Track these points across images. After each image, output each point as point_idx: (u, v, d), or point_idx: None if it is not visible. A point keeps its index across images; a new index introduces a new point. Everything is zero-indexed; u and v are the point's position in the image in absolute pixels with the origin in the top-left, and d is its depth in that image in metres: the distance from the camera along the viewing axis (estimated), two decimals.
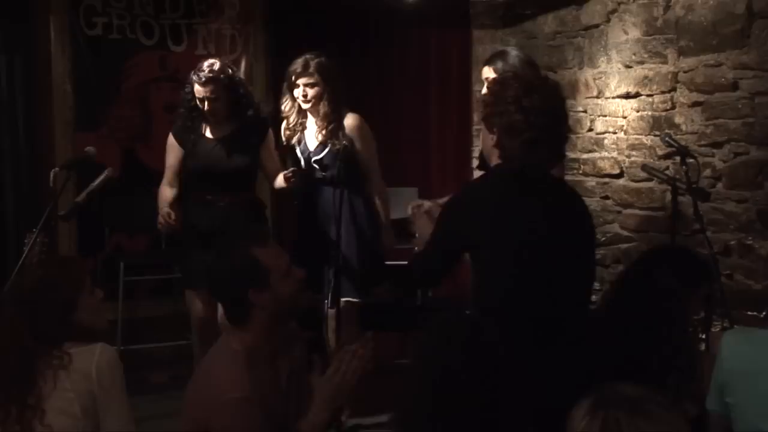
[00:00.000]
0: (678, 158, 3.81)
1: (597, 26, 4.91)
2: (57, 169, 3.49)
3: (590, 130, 5.03)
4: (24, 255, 3.28)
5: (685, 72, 4.27)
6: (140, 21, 5.00)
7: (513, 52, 3.79)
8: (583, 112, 5.08)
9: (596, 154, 4.98)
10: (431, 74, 5.73)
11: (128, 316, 4.86)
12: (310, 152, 3.94)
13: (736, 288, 3.94)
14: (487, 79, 3.59)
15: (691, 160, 3.62)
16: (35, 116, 4.90)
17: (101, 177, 3.55)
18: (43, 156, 4.85)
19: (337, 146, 3.82)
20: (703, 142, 4.15)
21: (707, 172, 4.05)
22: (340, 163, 3.70)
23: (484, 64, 3.75)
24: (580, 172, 5.11)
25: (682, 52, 4.28)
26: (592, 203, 5.00)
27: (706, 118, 4.14)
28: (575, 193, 2.69)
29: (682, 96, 4.29)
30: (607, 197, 4.90)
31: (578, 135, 5.13)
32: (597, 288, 4.95)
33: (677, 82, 4.32)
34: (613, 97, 4.79)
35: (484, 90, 3.53)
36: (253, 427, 2.11)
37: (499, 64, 3.61)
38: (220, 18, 5.20)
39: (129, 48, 5.00)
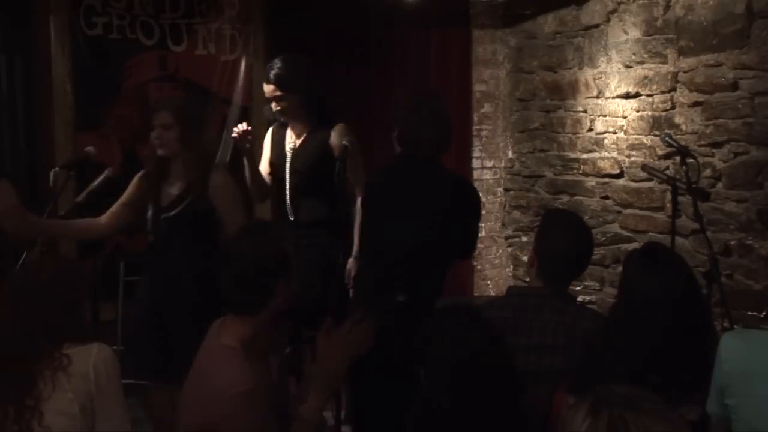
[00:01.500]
0: (678, 158, 3.81)
1: (597, 26, 4.91)
2: (57, 169, 3.49)
3: (590, 130, 5.03)
4: (24, 255, 3.29)
5: (685, 72, 4.27)
6: (140, 21, 5.00)
7: (276, 61, 3.79)
8: (583, 112, 5.08)
9: (596, 154, 4.98)
10: (431, 74, 5.72)
11: (128, 316, 4.85)
12: (161, 208, 3.37)
13: (736, 288, 3.94)
14: (273, 96, 3.75)
15: (691, 160, 3.62)
16: (35, 116, 4.89)
17: (101, 177, 3.56)
18: (43, 156, 4.85)
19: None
20: (703, 142, 4.15)
21: (707, 172, 4.05)
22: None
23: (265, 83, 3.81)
24: (580, 172, 5.11)
25: (682, 52, 4.28)
26: (592, 203, 5.00)
27: (706, 118, 4.14)
28: (453, 179, 3.34)
29: (682, 96, 4.29)
30: (607, 197, 4.90)
31: (578, 135, 5.13)
32: (597, 288, 4.96)
33: (677, 82, 4.32)
34: (613, 97, 4.79)
35: (275, 108, 3.78)
36: (262, 417, 2.14)
37: (270, 75, 3.75)
38: (220, 18, 5.20)
39: (129, 48, 4.99)
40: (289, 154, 3.81)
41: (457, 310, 2.12)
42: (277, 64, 3.77)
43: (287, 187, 3.79)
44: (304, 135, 3.82)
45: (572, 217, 3.10)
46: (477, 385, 1.85)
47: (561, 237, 2.68)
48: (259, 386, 2.14)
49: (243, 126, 3.63)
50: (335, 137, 3.75)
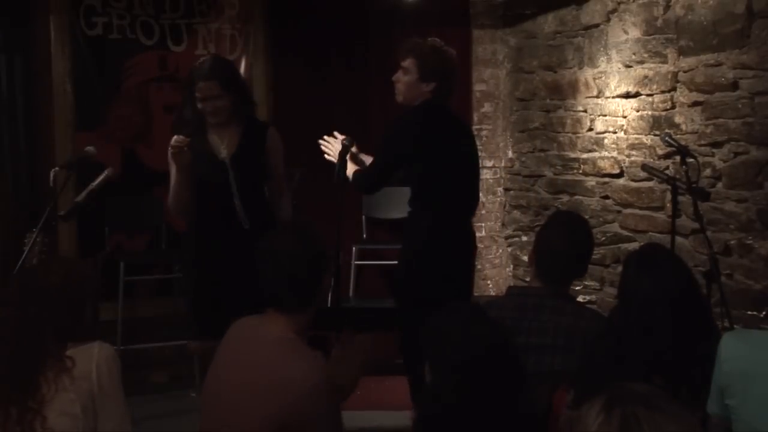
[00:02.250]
0: (678, 158, 3.81)
1: (597, 26, 4.91)
2: (57, 169, 3.48)
3: (590, 129, 5.03)
4: (24, 255, 3.28)
5: (685, 72, 4.27)
6: (140, 21, 5.01)
7: (208, 59, 3.68)
8: (583, 111, 5.08)
9: (596, 154, 4.98)
10: None
11: (128, 316, 4.86)
12: None
13: (736, 288, 3.93)
14: (210, 95, 3.53)
15: (691, 160, 3.62)
16: (35, 116, 4.90)
17: (101, 177, 3.54)
18: (43, 156, 4.86)
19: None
20: (703, 142, 4.14)
21: (707, 171, 4.05)
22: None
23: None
24: (580, 171, 5.11)
25: (682, 52, 4.28)
26: (592, 203, 5.00)
27: (706, 118, 4.14)
28: (466, 124, 4.06)
29: (682, 96, 4.29)
30: (607, 197, 4.90)
31: (578, 134, 5.13)
32: (597, 288, 4.96)
33: (677, 81, 4.32)
34: (613, 97, 4.79)
35: (209, 109, 3.54)
36: (336, 408, 2.21)
37: (209, 72, 3.53)
38: (220, 18, 5.21)
39: (129, 48, 5.01)
40: (227, 162, 3.58)
41: (463, 307, 2.15)
42: (210, 61, 3.63)
43: (234, 196, 3.55)
44: (237, 140, 3.62)
45: (573, 216, 3.10)
46: (486, 381, 1.86)
47: (558, 236, 2.68)
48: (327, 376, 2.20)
49: (180, 138, 3.44)
50: (272, 141, 3.69)
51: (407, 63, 3.58)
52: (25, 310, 2.20)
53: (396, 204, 4.62)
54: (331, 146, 3.66)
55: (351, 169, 3.64)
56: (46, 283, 2.25)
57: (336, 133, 3.70)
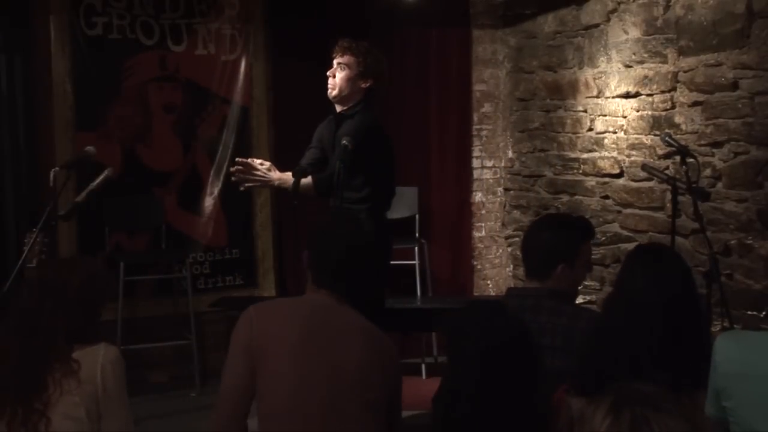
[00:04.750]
0: (678, 158, 3.81)
1: (597, 26, 4.91)
2: (57, 169, 3.49)
3: (590, 129, 5.03)
4: (24, 255, 3.28)
5: (685, 72, 4.27)
6: (140, 21, 5.01)
7: None
8: (583, 111, 5.07)
9: (596, 154, 4.98)
10: (431, 74, 5.72)
11: (128, 315, 4.86)
12: None
13: (736, 288, 3.94)
14: None
15: (691, 160, 3.62)
16: (35, 116, 4.90)
17: (101, 177, 3.55)
18: (43, 156, 4.85)
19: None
20: (703, 142, 4.14)
21: (707, 171, 4.05)
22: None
23: None
24: (580, 171, 5.10)
25: (682, 52, 4.28)
26: (592, 203, 5.00)
27: (706, 118, 4.14)
28: None
29: (682, 96, 4.29)
30: (607, 197, 4.90)
31: (578, 134, 5.13)
32: (597, 288, 4.96)
33: (677, 81, 4.32)
34: (613, 97, 4.79)
35: None
36: None
37: None
38: (220, 18, 5.20)
39: (129, 48, 5.00)
40: None
41: (482, 303, 2.18)
42: None
43: None
44: None
45: (551, 213, 3.13)
46: (505, 372, 1.90)
47: (530, 230, 2.79)
48: None
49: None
50: None
51: (345, 60, 3.72)
52: (42, 305, 2.20)
53: (397, 204, 4.61)
54: (259, 173, 3.67)
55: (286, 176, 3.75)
56: (69, 282, 2.25)
57: (253, 159, 3.76)
